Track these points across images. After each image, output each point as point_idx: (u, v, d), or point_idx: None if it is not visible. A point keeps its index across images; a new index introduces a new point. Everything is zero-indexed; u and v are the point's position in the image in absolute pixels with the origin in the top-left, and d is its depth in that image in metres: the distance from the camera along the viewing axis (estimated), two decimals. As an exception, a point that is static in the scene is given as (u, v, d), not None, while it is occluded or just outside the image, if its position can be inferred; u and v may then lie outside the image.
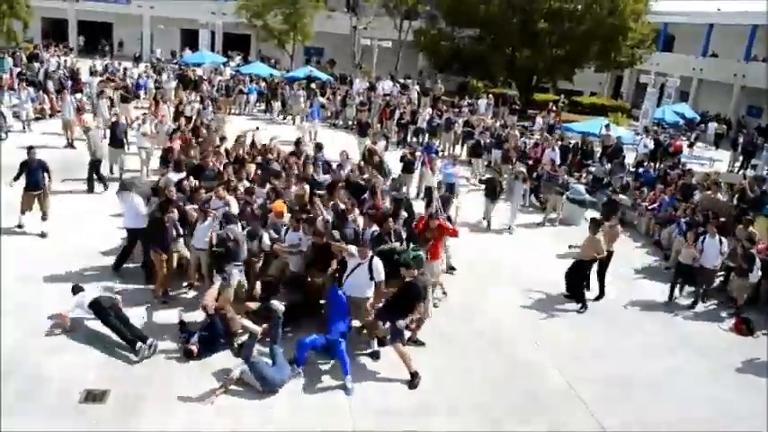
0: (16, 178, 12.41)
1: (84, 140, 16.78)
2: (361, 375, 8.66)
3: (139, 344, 8.52)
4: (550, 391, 8.89)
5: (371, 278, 9.05)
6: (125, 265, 11.16)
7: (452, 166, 16.79)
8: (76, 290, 9.39)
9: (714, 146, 32.31)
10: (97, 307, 8.87)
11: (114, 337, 8.77)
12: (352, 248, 9.24)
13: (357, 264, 9.04)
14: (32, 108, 22.07)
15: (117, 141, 16.60)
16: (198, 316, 9.42)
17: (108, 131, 19.37)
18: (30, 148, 12.62)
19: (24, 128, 20.99)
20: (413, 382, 8.63)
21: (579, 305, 11.58)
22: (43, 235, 12.29)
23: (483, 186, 15.92)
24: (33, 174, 12.32)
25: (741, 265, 12.21)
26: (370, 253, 9.09)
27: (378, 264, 9.05)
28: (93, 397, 7.73)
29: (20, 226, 12.41)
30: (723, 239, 12.33)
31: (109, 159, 16.48)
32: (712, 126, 34.27)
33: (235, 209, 11.03)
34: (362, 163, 15.41)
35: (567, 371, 9.41)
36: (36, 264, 11.04)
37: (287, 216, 10.70)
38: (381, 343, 9.30)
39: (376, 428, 7.75)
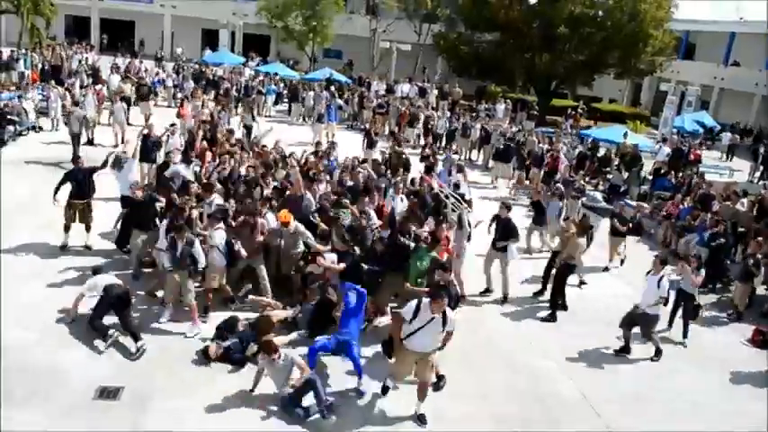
0: (57, 190, 11.48)
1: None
2: (375, 379, 8.63)
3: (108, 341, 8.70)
4: (564, 402, 8.84)
5: (443, 330, 7.66)
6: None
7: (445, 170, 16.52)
8: (96, 271, 9.59)
9: (727, 156, 31.16)
10: (108, 292, 8.95)
11: (129, 336, 8.87)
12: (411, 308, 7.62)
13: (430, 318, 7.48)
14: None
15: (148, 156, 15.03)
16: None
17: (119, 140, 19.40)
18: (76, 158, 12.07)
19: (53, 126, 21.23)
20: (438, 383, 8.67)
21: (551, 313, 11.34)
22: (88, 248, 11.73)
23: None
24: (80, 184, 11.56)
25: (750, 271, 12.18)
26: (445, 303, 7.52)
27: (451, 314, 7.74)
28: (108, 394, 7.79)
29: (64, 246, 11.66)
30: (665, 279, 10.04)
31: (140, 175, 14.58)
32: (726, 136, 32.54)
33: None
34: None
35: (581, 381, 9.36)
36: (49, 260, 11.19)
37: (293, 223, 10.38)
38: None
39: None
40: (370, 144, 20.23)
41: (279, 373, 7.90)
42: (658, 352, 10.29)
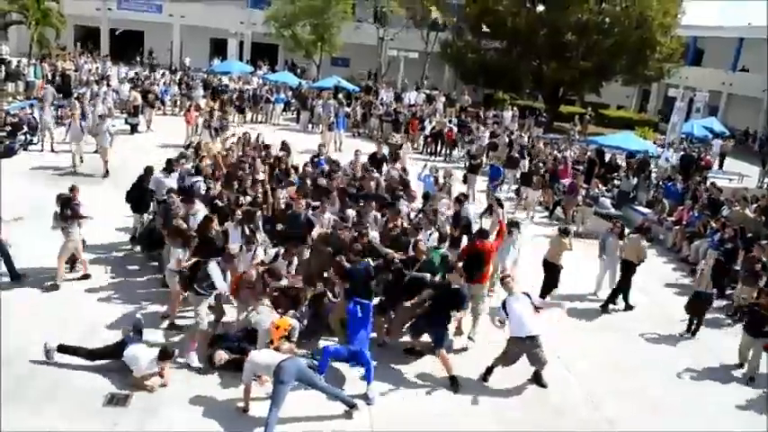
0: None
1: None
2: (383, 381, 8.70)
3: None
4: (572, 405, 8.82)
5: None
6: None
7: (431, 175, 16.10)
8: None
9: (720, 164, 28.99)
10: None
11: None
12: None
13: None
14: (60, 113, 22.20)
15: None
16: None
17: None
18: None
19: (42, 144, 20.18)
20: (454, 386, 8.77)
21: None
22: None
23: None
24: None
25: (756, 273, 12.19)
26: None
27: None
28: (117, 401, 7.83)
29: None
30: (533, 299, 9.29)
31: None
32: (717, 143, 30.05)
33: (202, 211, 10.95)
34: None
35: (590, 385, 9.35)
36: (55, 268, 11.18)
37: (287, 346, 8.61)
38: (419, 353, 9.48)
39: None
40: (377, 164, 16.89)
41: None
42: None
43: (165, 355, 8.15)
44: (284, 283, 9.55)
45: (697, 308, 11.45)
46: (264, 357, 7.72)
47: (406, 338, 9.85)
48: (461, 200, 13.05)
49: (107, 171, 17.53)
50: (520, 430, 8.14)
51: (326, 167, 15.20)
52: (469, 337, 9.95)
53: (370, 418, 8.01)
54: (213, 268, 8.84)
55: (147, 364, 8.13)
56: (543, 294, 11.40)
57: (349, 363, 8.71)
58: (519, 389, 9.05)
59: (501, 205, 12.95)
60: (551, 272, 11.63)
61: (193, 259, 9.30)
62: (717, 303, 12.83)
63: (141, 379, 8.12)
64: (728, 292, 13.37)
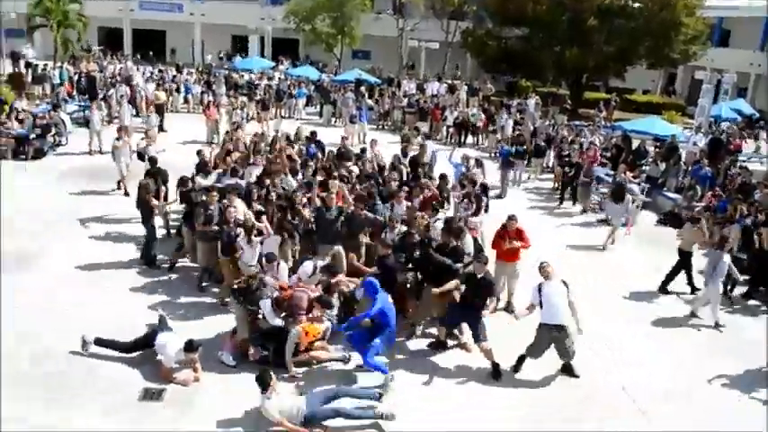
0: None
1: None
2: (411, 373, 8.75)
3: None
4: (603, 395, 8.76)
5: None
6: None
7: (462, 164, 15.96)
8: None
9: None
10: None
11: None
12: None
13: None
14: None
15: None
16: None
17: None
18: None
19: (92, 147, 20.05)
20: (496, 372, 8.89)
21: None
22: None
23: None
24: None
25: None
26: None
27: None
28: (152, 395, 7.96)
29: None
30: (567, 285, 8.99)
31: None
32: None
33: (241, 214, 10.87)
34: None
35: (620, 375, 9.26)
36: (89, 267, 11.48)
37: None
38: (442, 345, 9.57)
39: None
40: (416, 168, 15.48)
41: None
42: None
43: (190, 347, 8.24)
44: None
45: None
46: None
47: (433, 330, 9.90)
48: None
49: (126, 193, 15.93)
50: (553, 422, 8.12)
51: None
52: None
53: (402, 415, 7.89)
54: (267, 306, 8.80)
55: (175, 354, 8.25)
56: (667, 282, 12.36)
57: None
58: (553, 376, 9.05)
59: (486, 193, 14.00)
60: (684, 259, 12.37)
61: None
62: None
63: (170, 371, 8.24)
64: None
